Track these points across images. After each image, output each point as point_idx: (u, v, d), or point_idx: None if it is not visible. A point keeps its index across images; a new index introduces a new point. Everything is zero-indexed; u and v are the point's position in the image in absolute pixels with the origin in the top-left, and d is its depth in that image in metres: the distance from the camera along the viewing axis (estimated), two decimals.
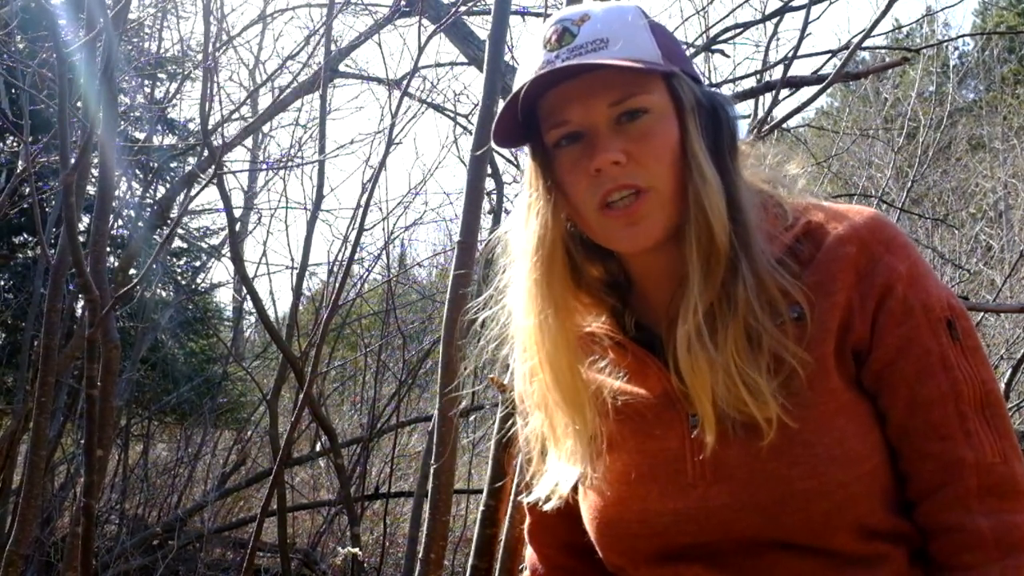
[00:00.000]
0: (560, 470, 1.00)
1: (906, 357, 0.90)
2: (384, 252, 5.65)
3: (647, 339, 0.99)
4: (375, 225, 5.43)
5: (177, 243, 6.49)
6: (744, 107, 3.83)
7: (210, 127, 4.15)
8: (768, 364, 0.89)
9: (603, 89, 0.91)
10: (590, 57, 0.90)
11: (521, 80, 0.94)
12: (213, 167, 2.95)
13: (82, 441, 3.31)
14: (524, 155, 1.02)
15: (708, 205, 0.90)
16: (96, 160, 3.74)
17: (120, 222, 5.56)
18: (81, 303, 4.56)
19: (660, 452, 0.95)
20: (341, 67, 4.71)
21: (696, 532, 0.92)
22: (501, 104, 0.97)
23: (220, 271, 15.41)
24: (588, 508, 1.00)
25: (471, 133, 2.53)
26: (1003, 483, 0.87)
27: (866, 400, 0.92)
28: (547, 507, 1.01)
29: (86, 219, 5.15)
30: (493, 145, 1.00)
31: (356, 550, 3.06)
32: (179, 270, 7.07)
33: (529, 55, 0.95)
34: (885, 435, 0.92)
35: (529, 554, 1.15)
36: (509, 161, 4.22)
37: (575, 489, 1.02)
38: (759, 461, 0.89)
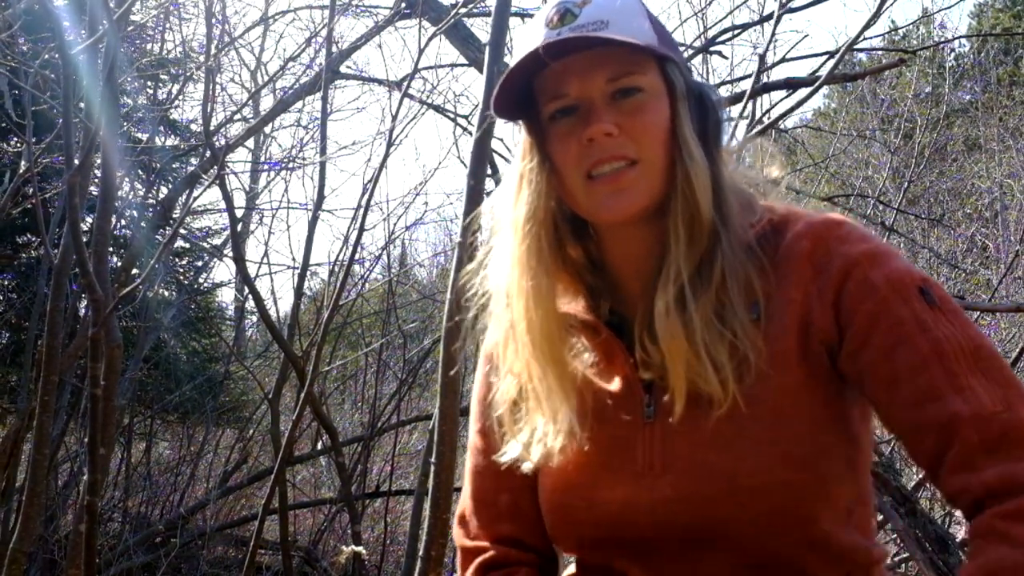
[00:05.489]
0: (540, 432, 0.99)
1: (877, 332, 0.86)
2: (384, 252, 5.69)
3: (618, 323, 1.00)
4: (376, 225, 5.47)
5: (179, 243, 6.49)
6: (742, 108, 3.85)
7: (212, 128, 4.18)
8: (730, 343, 0.89)
9: (601, 65, 0.94)
10: (592, 34, 0.93)
11: (522, 53, 0.96)
12: (215, 168, 2.97)
13: (85, 440, 3.33)
14: (519, 130, 1.03)
15: (695, 180, 0.92)
16: (99, 161, 3.77)
17: (123, 222, 5.59)
18: (84, 303, 4.58)
19: (614, 439, 0.96)
20: (342, 68, 4.73)
21: (641, 525, 0.92)
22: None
23: (222, 271, 15.43)
24: (542, 489, 1.01)
25: (471, 134, 2.55)
26: (1010, 431, 0.78)
27: (834, 403, 0.90)
28: (525, 468, 1.00)
29: (89, 219, 5.17)
30: (493, 114, 1.01)
31: (360, 548, 3.09)
32: (181, 270, 7.07)
33: (529, 34, 0.98)
34: (865, 442, 0.91)
35: (459, 537, 1.09)
36: (509, 162, 4.24)
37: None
38: (706, 453, 0.89)
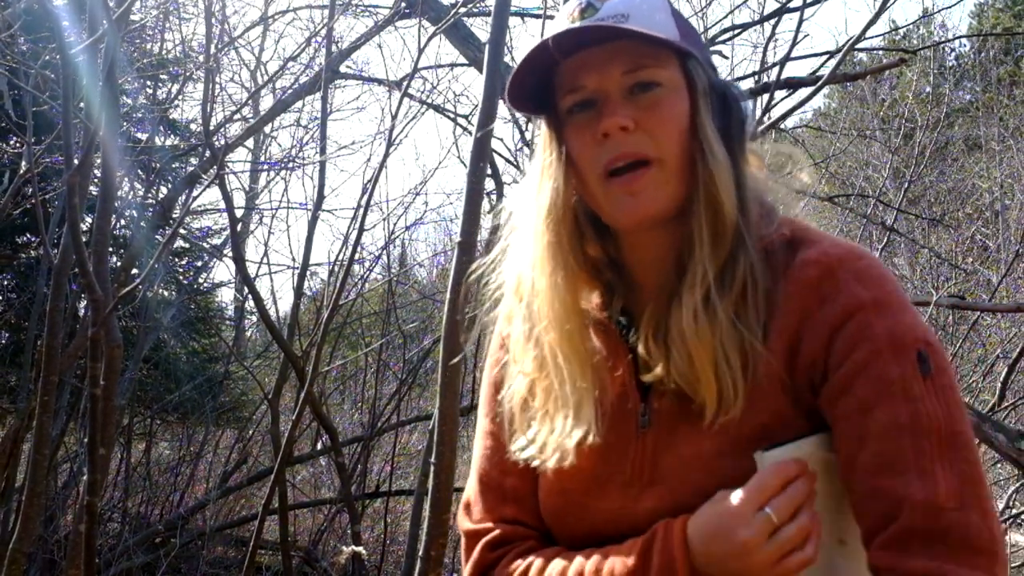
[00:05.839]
0: (558, 432, 0.97)
1: (860, 384, 0.83)
2: (384, 252, 5.70)
3: (627, 324, 0.98)
4: (376, 225, 5.46)
5: (179, 243, 6.49)
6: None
7: (212, 128, 4.17)
8: (740, 350, 0.87)
9: (618, 58, 0.92)
10: (607, 24, 0.91)
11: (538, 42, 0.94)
12: (215, 167, 2.97)
13: (85, 440, 3.33)
14: (538, 126, 1.02)
15: (718, 180, 0.90)
16: (99, 161, 3.77)
17: (122, 222, 5.59)
18: (84, 303, 4.58)
19: (608, 446, 0.95)
20: (342, 68, 4.73)
21: (629, 531, 0.91)
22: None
23: (222, 271, 15.45)
24: (540, 488, 1.01)
25: (471, 134, 2.55)
26: (954, 531, 0.77)
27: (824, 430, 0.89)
28: (541, 469, 0.98)
29: (89, 219, 5.17)
30: (507, 105, 1.00)
31: (360, 549, 3.09)
32: (181, 270, 7.07)
33: (551, 29, 0.96)
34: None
35: (463, 522, 1.06)
36: (509, 162, 4.25)
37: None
38: (689, 470, 0.89)
